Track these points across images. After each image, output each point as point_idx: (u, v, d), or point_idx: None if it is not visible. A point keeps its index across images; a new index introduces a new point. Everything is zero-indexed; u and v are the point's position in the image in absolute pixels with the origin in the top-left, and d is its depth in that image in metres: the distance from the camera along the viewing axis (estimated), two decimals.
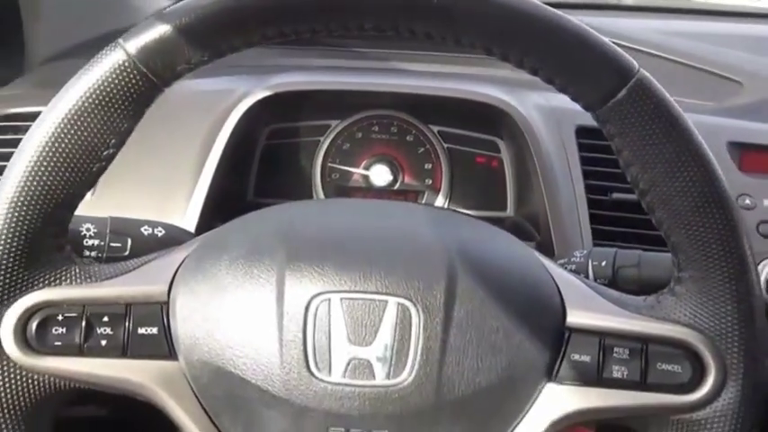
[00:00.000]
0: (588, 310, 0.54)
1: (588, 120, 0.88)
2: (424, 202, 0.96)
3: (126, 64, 0.51)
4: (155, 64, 0.51)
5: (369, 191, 0.95)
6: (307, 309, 0.53)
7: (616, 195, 0.83)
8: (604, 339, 0.53)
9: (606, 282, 0.65)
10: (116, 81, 0.51)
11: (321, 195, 0.95)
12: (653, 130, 0.50)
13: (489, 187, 0.94)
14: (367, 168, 0.95)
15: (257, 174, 0.94)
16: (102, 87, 0.52)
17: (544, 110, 0.90)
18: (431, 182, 0.96)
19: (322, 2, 0.51)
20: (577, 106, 0.93)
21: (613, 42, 1.15)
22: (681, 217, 0.52)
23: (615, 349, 0.53)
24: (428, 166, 0.96)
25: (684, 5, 1.31)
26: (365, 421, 0.52)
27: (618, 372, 0.53)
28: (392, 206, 0.64)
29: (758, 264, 0.76)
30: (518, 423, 0.54)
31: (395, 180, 0.96)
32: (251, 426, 0.54)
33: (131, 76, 0.51)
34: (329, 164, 0.95)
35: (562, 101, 0.94)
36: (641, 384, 0.53)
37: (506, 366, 0.53)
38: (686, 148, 0.51)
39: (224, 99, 0.89)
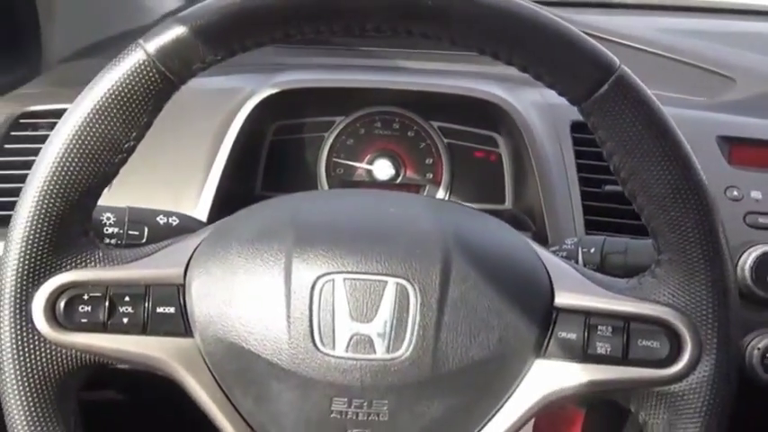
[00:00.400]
0: (574, 292, 0.58)
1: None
2: (425, 195, 1.00)
3: (146, 63, 0.55)
4: (172, 63, 0.56)
5: (372, 185, 0.99)
6: (312, 288, 0.57)
7: (608, 187, 0.86)
8: (589, 318, 0.57)
9: (595, 267, 0.68)
10: (137, 79, 0.56)
11: (326, 189, 0.98)
12: (633, 122, 0.54)
13: (488, 181, 0.98)
14: (370, 163, 0.99)
15: (264, 169, 0.98)
16: (123, 85, 0.56)
17: (540, 106, 0.94)
18: (432, 176, 1.00)
19: (326, 5, 0.55)
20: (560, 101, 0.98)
21: (609, 40, 1.19)
22: (659, 203, 0.55)
23: (599, 327, 0.57)
24: (429, 160, 1.00)
25: (679, 3, 1.34)
26: (366, 392, 0.56)
27: (602, 348, 0.57)
28: (393, 195, 0.68)
29: (744, 252, 0.80)
30: (509, 396, 0.57)
31: (397, 174, 0.99)
32: (260, 397, 0.57)
33: (151, 74, 0.56)
34: (334, 159, 0.99)
35: (558, 97, 0.98)
36: (623, 359, 0.57)
37: (497, 342, 0.56)
38: (664, 139, 0.55)
39: (232, 97, 0.93)
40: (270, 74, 0.97)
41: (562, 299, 0.58)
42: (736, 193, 0.85)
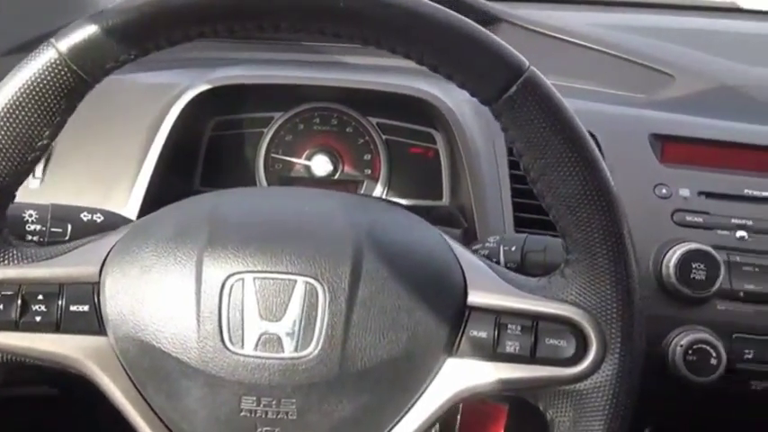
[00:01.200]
0: (487, 291, 0.59)
1: None
2: (363, 191, 1.00)
3: (57, 62, 0.55)
4: (84, 62, 0.55)
5: (310, 181, 0.99)
6: (222, 287, 0.57)
7: None
8: (500, 317, 0.58)
9: (515, 266, 0.69)
10: (48, 78, 0.55)
11: (264, 185, 0.98)
12: (540, 123, 0.55)
13: (426, 177, 0.98)
14: (308, 159, 0.99)
15: (203, 164, 0.98)
16: (35, 84, 0.55)
17: (475, 103, 0.93)
18: (370, 171, 1.00)
19: (239, 4, 0.55)
20: None
21: (551, 35, 1.19)
22: (566, 204, 0.56)
23: (509, 326, 0.58)
24: (367, 156, 1.00)
25: None
26: (275, 391, 0.56)
27: (511, 347, 0.57)
28: (311, 193, 0.68)
29: (669, 249, 0.81)
30: (421, 394, 0.58)
31: (335, 170, 0.99)
32: (172, 395, 0.58)
33: (63, 73, 0.55)
34: (272, 155, 0.99)
35: None
36: (531, 358, 0.57)
37: (407, 341, 0.57)
38: (570, 140, 0.55)
39: (167, 93, 0.92)
40: (207, 69, 0.96)
41: (474, 297, 0.59)
42: (665, 190, 0.86)
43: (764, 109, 0.99)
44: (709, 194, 0.86)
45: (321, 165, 0.99)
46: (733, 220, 0.84)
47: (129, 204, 0.85)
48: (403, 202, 1.00)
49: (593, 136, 0.91)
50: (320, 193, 0.66)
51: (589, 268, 0.57)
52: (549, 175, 0.56)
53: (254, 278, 0.57)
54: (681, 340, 0.79)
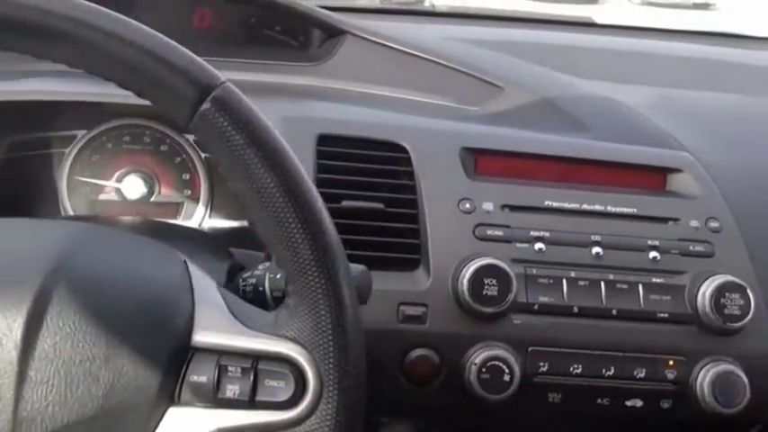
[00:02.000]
0: (212, 329, 0.54)
1: (332, 128, 0.92)
2: (183, 213, 0.96)
3: None
4: None
5: (123, 204, 0.95)
6: None
7: (346, 203, 0.85)
8: (221, 358, 0.53)
9: (281, 294, 0.66)
10: None
11: (69, 210, 0.94)
12: (236, 142, 0.51)
13: None
14: (119, 181, 0.95)
15: None
16: None
17: (285, 119, 0.91)
18: (190, 192, 0.97)
19: None
20: (322, 114, 0.96)
21: (394, 48, 1.17)
22: (273, 232, 0.52)
23: (229, 368, 0.53)
24: (186, 176, 0.97)
25: (460, 11, 1.35)
26: None
27: (231, 391, 0.53)
28: (20, 224, 0.60)
29: (465, 265, 0.79)
30: None
31: (151, 192, 0.95)
32: None
33: None
34: (76, 177, 0.94)
35: (309, 109, 0.97)
36: (250, 403, 0.53)
37: (104, 397, 0.51)
38: (269, 161, 0.51)
39: None
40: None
41: (199, 337, 0.54)
42: (468, 205, 0.84)
43: (582, 120, 0.99)
44: (512, 207, 0.85)
45: (134, 187, 0.95)
46: (532, 233, 0.83)
47: None
48: (227, 223, 0.97)
49: (403, 149, 0.91)
50: (9, 222, 0.59)
51: (306, 301, 0.53)
52: (250, 197, 0.52)
53: None
54: (476, 358, 0.78)
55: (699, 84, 1.25)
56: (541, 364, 0.79)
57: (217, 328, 0.54)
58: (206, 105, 0.51)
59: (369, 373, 0.80)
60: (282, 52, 1.13)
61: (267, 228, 0.52)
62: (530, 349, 0.79)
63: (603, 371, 0.80)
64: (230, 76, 1.05)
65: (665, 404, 0.81)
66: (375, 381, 0.80)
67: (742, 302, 0.79)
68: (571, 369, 0.79)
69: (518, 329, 0.79)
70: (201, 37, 1.12)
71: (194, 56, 0.52)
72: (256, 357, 0.53)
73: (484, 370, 0.77)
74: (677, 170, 0.90)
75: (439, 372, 0.79)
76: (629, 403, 0.81)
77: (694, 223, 0.85)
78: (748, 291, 0.79)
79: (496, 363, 0.77)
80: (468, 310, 0.79)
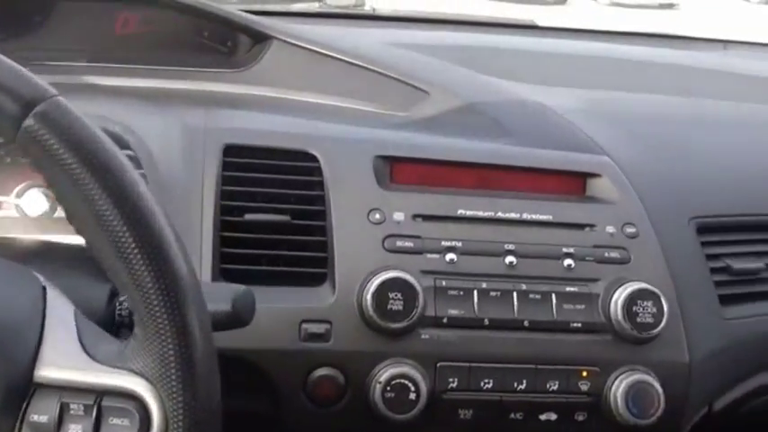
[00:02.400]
0: (56, 362, 0.50)
1: (239, 137, 0.88)
2: None
3: None
4: None
5: (23, 221, 0.91)
6: None
7: (248, 216, 0.81)
8: (63, 395, 0.49)
9: None
10: None
11: None
12: (65, 160, 0.47)
13: None
14: (19, 196, 0.91)
15: None
16: None
17: (191, 129, 0.88)
18: None
19: None
20: (231, 123, 0.92)
21: (321, 53, 1.14)
22: (110, 257, 0.48)
23: (71, 405, 0.49)
24: None
25: (393, 14, 1.32)
26: None
27: (73, 431, 0.48)
28: None
29: (370, 279, 0.76)
30: None
31: (53, 208, 0.91)
32: None
33: None
34: None
35: (214, 119, 0.93)
36: None
37: None
38: (101, 181, 0.47)
39: None
40: None
41: (43, 371, 0.49)
42: (378, 216, 0.81)
43: (505, 125, 0.97)
44: (424, 217, 0.82)
45: (34, 203, 0.91)
46: (443, 243, 0.79)
47: None
48: None
49: (313, 158, 0.88)
50: None
51: (151, 331, 0.49)
52: (82, 216, 0.48)
53: None
54: (381, 377, 0.74)
55: (635, 86, 1.22)
56: (451, 380, 0.76)
57: (61, 362, 0.50)
58: (29, 121, 0.47)
59: (269, 395, 0.77)
60: (209, 59, 1.10)
61: (103, 252, 0.48)
62: (438, 365, 0.76)
63: (516, 384, 0.77)
64: (146, 83, 1.04)
65: (580, 417, 0.78)
66: (276, 403, 0.78)
67: (655, 310, 0.76)
68: (482, 384, 0.76)
69: (426, 345, 0.76)
70: (124, 44, 1.09)
71: (22, 69, 0.48)
72: (100, 393, 0.49)
73: (388, 389, 0.74)
74: (596, 175, 0.87)
75: (344, 392, 0.76)
76: (543, 417, 0.78)
77: (610, 229, 0.82)
78: (662, 298, 0.76)
79: (401, 380, 0.74)
80: (374, 327, 0.75)
